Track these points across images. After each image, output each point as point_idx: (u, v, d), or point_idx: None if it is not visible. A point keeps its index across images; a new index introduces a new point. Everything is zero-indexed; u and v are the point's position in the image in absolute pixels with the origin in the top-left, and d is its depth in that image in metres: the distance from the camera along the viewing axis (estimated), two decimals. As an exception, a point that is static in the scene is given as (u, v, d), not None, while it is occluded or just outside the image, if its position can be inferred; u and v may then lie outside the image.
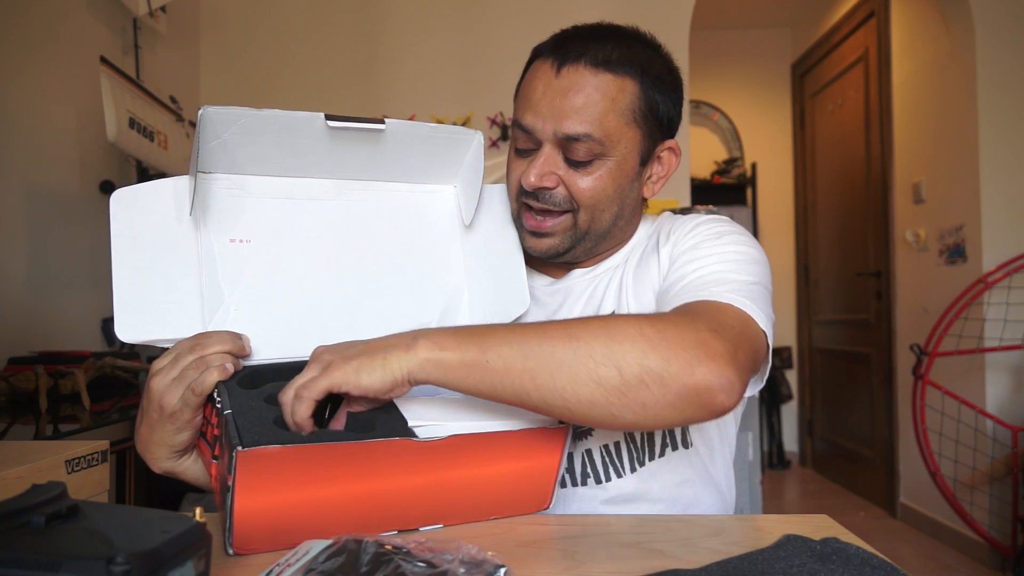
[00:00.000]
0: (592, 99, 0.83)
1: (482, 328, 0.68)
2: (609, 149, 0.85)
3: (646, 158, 0.89)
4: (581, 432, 0.88)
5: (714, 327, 0.69)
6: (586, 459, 0.88)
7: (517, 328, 0.68)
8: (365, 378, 0.63)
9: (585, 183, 0.86)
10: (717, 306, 0.74)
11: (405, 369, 0.64)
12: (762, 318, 0.75)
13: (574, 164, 0.85)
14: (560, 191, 0.86)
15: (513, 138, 0.90)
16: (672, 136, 0.92)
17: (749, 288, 0.78)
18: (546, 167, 0.85)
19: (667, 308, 0.79)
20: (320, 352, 0.67)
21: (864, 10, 3.60)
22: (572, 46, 0.85)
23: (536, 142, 0.86)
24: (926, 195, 3.14)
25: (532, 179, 0.85)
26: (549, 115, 0.84)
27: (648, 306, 0.89)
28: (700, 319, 0.69)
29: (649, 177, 0.92)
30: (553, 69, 0.85)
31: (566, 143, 0.84)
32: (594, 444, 0.88)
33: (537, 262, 0.99)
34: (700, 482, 0.91)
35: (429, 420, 0.68)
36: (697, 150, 4.53)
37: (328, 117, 0.76)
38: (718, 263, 0.82)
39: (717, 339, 0.67)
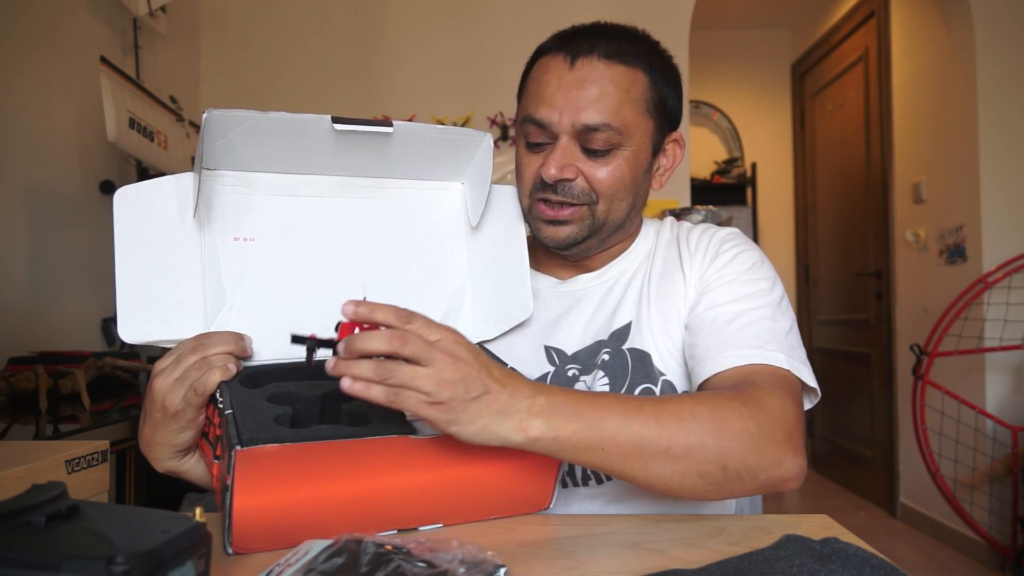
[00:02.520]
0: (607, 90, 0.84)
1: (598, 405, 0.66)
2: (626, 139, 0.85)
3: (657, 149, 0.91)
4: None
5: (795, 412, 0.74)
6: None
7: (632, 409, 0.67)
8: (475, 440, 0.63)
9: (604, 173, 0.86)
10: (787, 382, 0.77)
11: (510, 442, 0.64)
12: (810, 380, 0.80)
13: (592, 154, 0.86)
14: (580, 182, 0.86)
15: (523, 135, 0.90)
16: (676, 128, 0.93)
17: (792, 343, 0.82)
18: (565, 159, 0.85)
19: (713, 349, 0.81)
20: (454, 373, 0.60)
21: (864, 10, 3.60)
22: (582, 40, 0.86)
23: (551, 136, 0.86)
24: (926, 195, 3.14)
25: (553, 171, 0.85)
26: (566, 107, 0.84)
27: (672, 324, 0.89)
28: (787, 408, 0.73)
29: (657, 169, 0.93)
30: (566, 62, 0.85)
31: (584, 134, 0.84)
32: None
33: (542, 262, 0.99)
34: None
35: None
36: (697, 150, 4.53)
37: (335, 120, 0.75)
38: (760, 306, 0.84)
39: (798, 428, 0.73)
